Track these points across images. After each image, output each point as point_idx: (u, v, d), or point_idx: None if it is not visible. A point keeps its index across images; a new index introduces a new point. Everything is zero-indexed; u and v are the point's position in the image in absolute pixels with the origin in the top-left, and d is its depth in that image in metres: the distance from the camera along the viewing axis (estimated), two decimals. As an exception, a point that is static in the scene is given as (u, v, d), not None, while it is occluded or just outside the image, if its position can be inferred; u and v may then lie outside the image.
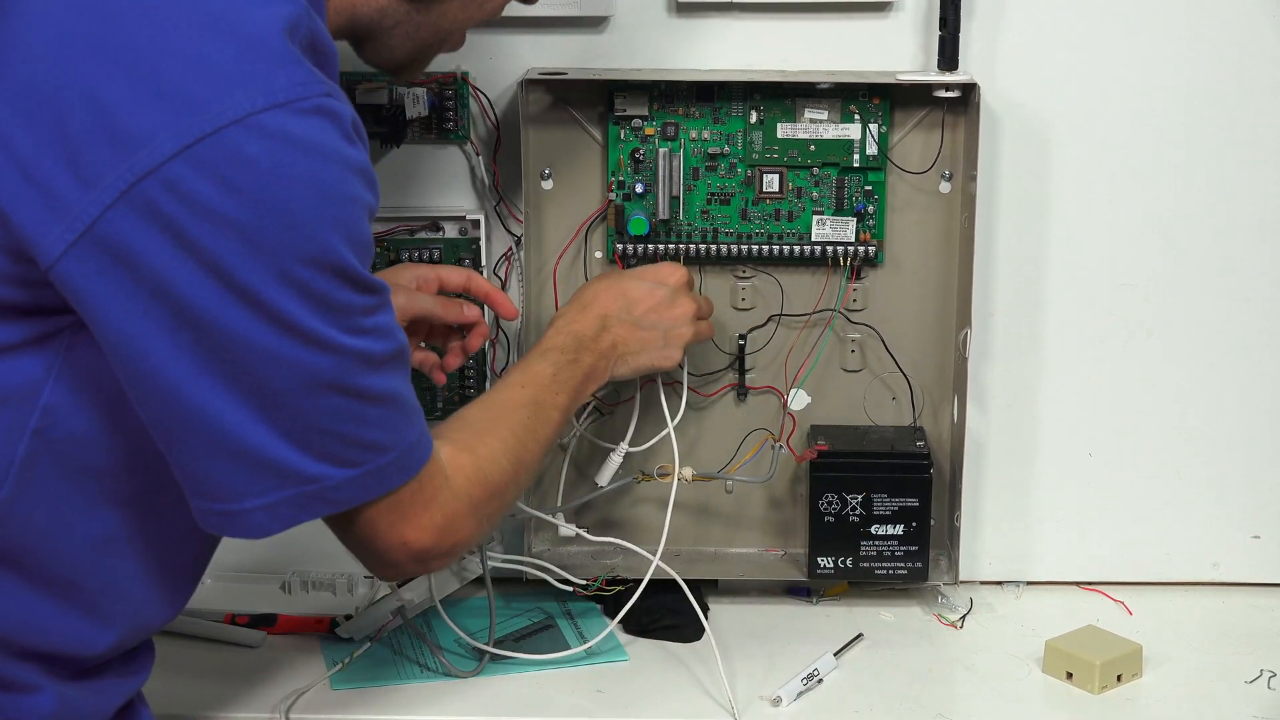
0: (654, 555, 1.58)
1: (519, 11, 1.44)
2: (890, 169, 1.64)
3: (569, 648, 1.57)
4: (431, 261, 1.65)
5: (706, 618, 1.60)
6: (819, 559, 1.65)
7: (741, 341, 1.68)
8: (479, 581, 1.62)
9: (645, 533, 1.68)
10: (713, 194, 1.65)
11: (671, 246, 1.65)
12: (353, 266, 1.13)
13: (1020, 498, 1.72)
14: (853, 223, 1.65)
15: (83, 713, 1.23)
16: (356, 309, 1.14)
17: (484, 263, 1.66)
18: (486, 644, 1.56)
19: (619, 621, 1.60)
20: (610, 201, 1.65)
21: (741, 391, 1.69)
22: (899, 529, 1.63)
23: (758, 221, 1.65)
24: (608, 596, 1.64)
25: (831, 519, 1.63)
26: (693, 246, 1.65)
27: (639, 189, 1.63)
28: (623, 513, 1.72)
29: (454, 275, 1.54)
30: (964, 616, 1.66)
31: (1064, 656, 1.54)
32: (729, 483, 1.69)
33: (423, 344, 1.56)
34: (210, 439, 1.13)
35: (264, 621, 1.63)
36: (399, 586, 1.60)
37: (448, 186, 1.68)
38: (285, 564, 1.68)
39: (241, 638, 1.61)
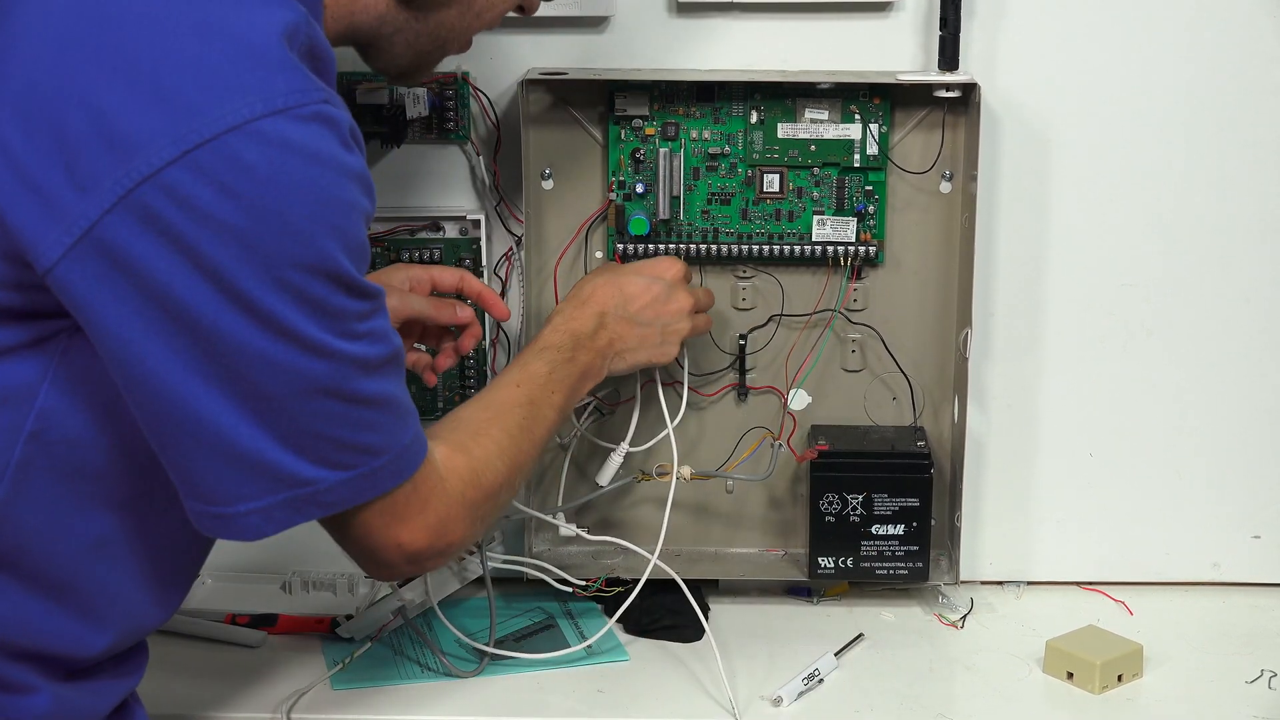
0: (654, 555, 1.58)
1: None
2: (891, 169, 1.64)
3: (569, 648, 1.57)
4: (432, 262, 1.65)
5: (707, 618, 1.60)
6: (819, 559, 1.65)
7: (742, 341, 1.68)
8: (479, 581, 1.62)
9: (645, 532, 1.68)
10: (713, 194, 1.65)
11: (672, 246, 1.65)
12: (349, 272, 1.13)
13: (1020, 498, 1.72)
14: (853, 223, 1.65)
15: (78, 713, 1.23)
16: (352, 314, 1.14)
17: (484, 263, 1.66)
18: (487, 644, 1.56)
19: (619, 621, 1.60)
20: (611, 201, 1.65)
21: (742, 391, 1.69)
22: (899, 529, 1.63)
23: (758, 221, 1.65)
24: (607, 597, 1.64)
25: (832, 519, 1.63)
26: (693, 246, 1.65)
27: (639, 189, 1.63)
28: (623, 512, 1.72)
29: (447, 276, 1.54)
30: (965, 616, 1.67)
31: (1065, 656, 1.54)
32: (729, 482, 1.69)
33: (417, 345, 1.56)
34: (206, 442, 1.13)
35: (264, 621, 1.63)
36: (399, 586, 1.60)
37: (448, 186, 1.68)
38: (286, 564, 1.68)
39: (242, 638, 1.61)
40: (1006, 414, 1.70)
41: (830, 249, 1.65)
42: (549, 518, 1.66)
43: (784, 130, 1.63)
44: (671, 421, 1.62)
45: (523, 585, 1.67)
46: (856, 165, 1.63)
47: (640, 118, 1.63)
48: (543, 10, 1.45)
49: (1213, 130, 1.64)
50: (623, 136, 1.63)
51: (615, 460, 1.64)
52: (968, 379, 1.63)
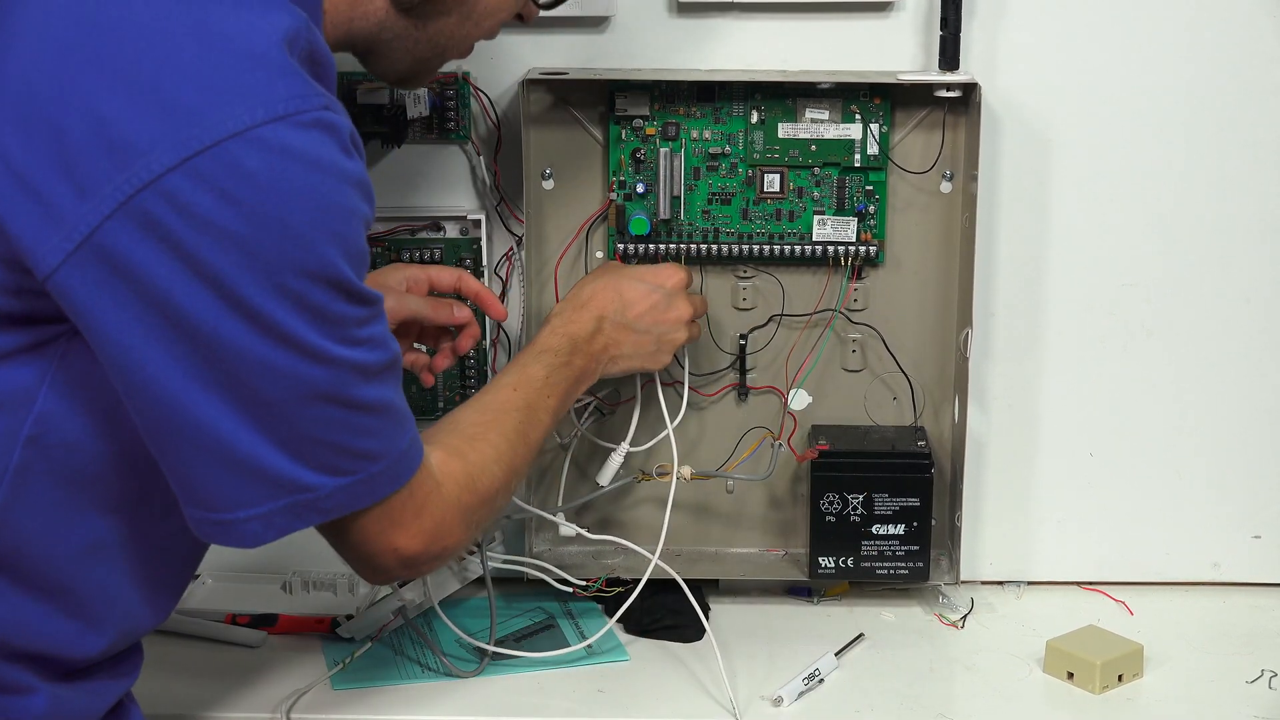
0: (654, 555, 1.58)
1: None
2: (891, 169, 1.64)
3: (570, 648, 1.57)
4: (432, 262, 1.65)
5: (707, 617, 1.60)
6: (820, 559, 1.65)
7: (742, 341, 1.68)
8: (479, 581, 1.62)
9: (645, 532, 1.68)
10: (714, 194, 1.65)
11: (672, 246, 1.65)
12: (348, 279, 1.13)
13: (1021, 498, 1.72)
14: (854, 222, 1.65)
15: (76, 713, 1.23)
16: (351, 320, 1.14)
17: (484, 263, 1.66)
18: (487, 644, 1.56)
19: (619, 621, 1.60)
20: (611, 201, 1.65)
21: (742, 391, 1.69)
22: (900, 529, 1.63)
23: (759, 221, 1.65)
24: (608, 597, 1.64)
25: (832, 519, 1.64)
26: (694, 246, 1.65)
27: (640, 189, 1.63)
28: (623, 512, 1.72)
29: (444, 275, 1.54)
30: (965, 616, 1.67)
31: (1065, 656, 1.54)
32: (730, 482, 1.69)
33: (416, 345, 1.56)
34: (206, 449, 1.13)
35: (264, 621, 1.63)
36: (400, 586, 1.60)
37: (449, 186, 1.68)
38: (286, 564, 1.68)
39: (242, 638, 1.61)
40: (1006, 414, 1.70)
41: (831, 249, 1.65)
42: (550, 517, 1.66)
43: (784, 130, 1.63)
44: (672, 422, 1.62)
45: (523, 585, 1.67)
46: (857, 165, 1.63)
47: (641, 118, 1.63)
48: (542, 12, 1.45)
49: (1213, 130, 1.64)
50: (623, 136, 1.63)
51: (615, 460, 1.64)
52: (968, 379, 1.63)
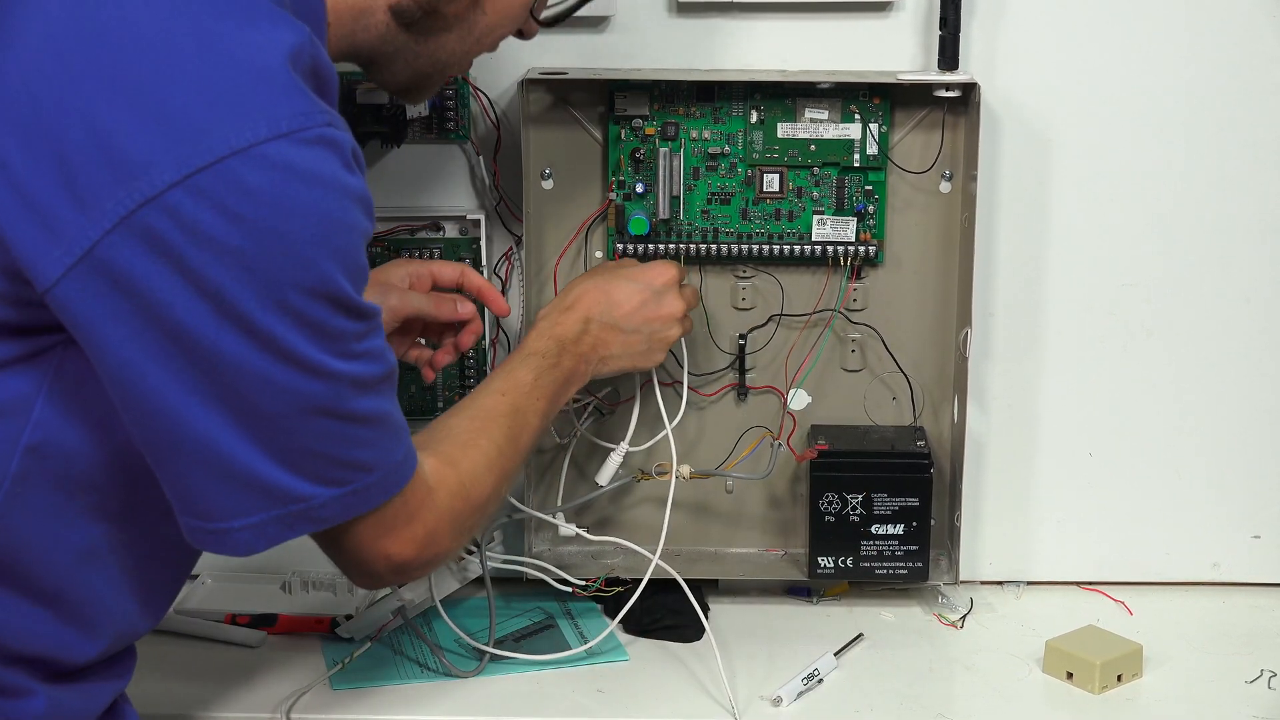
0: (654, 555, 1.59)
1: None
2: (891, 169, 1.64)
3: (569, 648, 1.57)
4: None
5: (707, 617, 1.60)
6: (819, 559, 1.65)
7: (742, 341, 1.68)
8: (479, 581, 1.62)
9: (645, 532, 1.68)
10: (713, 194, 1.65)
11: (672, 246, 1.65)
12: (348, 294, 1.13)
13: (1020, 498, 1.72)
14: (853, 222, 1.65)
15: (72, 714, 1.23)
16: (350, 335, 1.14)
17: (484, 262, 1.66)
18: (487, 644, 1.56)
19: (619, 621, 1.60)
20: (610, 201, 1.65)
21: (742, 391, 1.69)
22: (899, 529, 1.63)
23: (758, 221, 1.65)
24: (607, 597, 1.64)
25: (832, 519, 1.63)
26: (693, 246, 1.65)
27: (639, 189, 1.63)
28: (622, 512, 1.72)
29: (448, 271, 1.54)
30: (964, 616, 1.67)
31: (1064, 656, 1.54)
32: (729, 482, 1.70)
33: (419, 340, 1.56)
34: (202, 460, 1.13)
35: (264, 621, 1.63)
36: (399, 586, 1.60)
37: (448, 186, 1.68)
38: (286, 564, 1.68)
39: (241, 638, 1.61)
40: (1006, 414, 1.70)
41: (830, 249, 1.65)
42: (549, 518, 1.66)
43: (784, 130, 1.63)
44: (670, 422, 1.62)
45: (523, 585, 1.67)
46: (856, 165, 1.63)
47: (640, 118, 1.63)
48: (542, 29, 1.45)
49: (1213, 130, 1.64)
50: (623, 136, 1.63)
51: (615, 460, 1.64)
52: (968, 379, 1.63)
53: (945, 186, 1.64)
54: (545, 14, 1.42)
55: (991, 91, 1.61)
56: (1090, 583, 1.73)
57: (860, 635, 1.61)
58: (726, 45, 1.63)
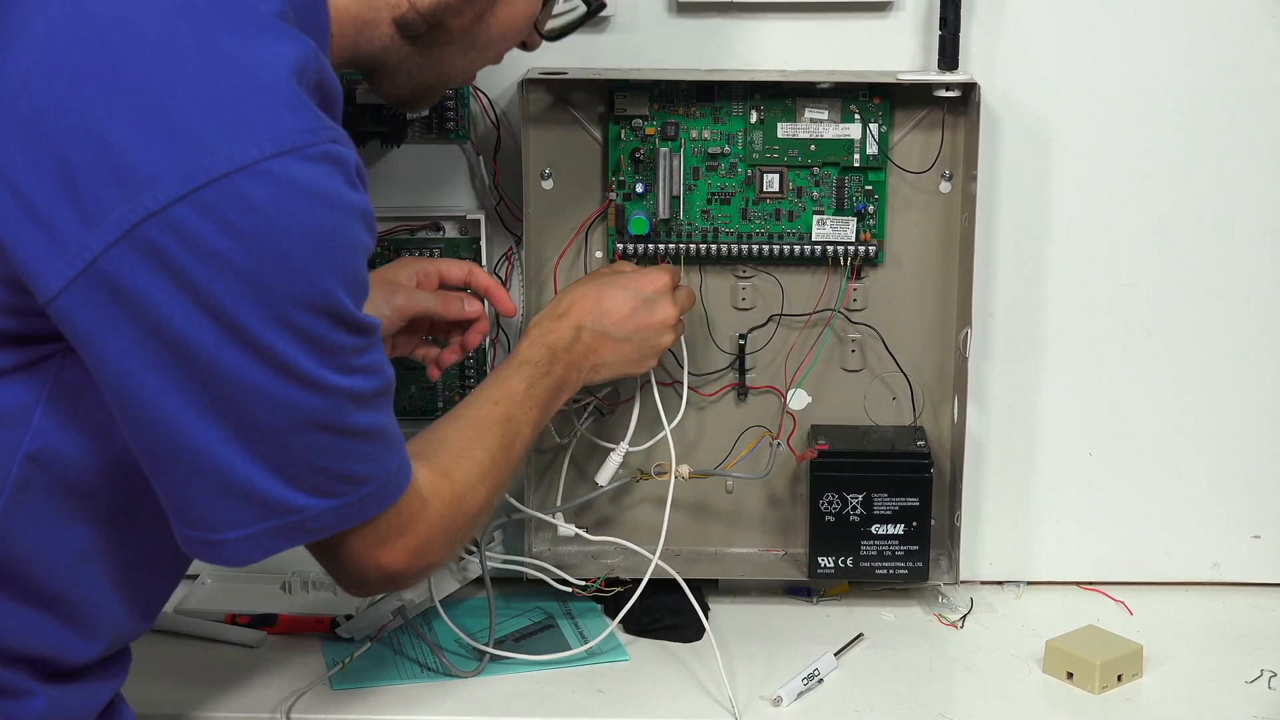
0: (654, 555, 1.59)
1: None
2: (890, 169, 1.64)
3: (569, 648, 1.57)
4: (432, 260, 1.65)
5: (707, 617, 1.60)
6: (819, 559, 1.65)
7: (742, 341, 1.68)
8: (479, 581, 1.62)
9: (645, 532, 1.68)
10: (713, 194, 1.65)
11: (672, 246, 1.65)
12: (348, 310, 1.14)
13: (1020, 498, 1.72)
14: (853, 222, 1.65)
15: (71, 713, 1.24)
16: (350, 350, 1.15)
17: (484, 262, 1.66)
18: (487, 644, 1.56)
19: (619, 621, 1.60)
20: (610, 201, 1.65)
21: (742, 391, 1.69)
22: (899, 529, 1.63)
23: (758, 221, 1.65)
24: (607, 597, 1.64)
25: (832, 518, 1.63)
26: (693, 246, 1.65)
27: (639, 189, 1.63)
28: (622, 512, 1.72)
29: (455, 269, 1.54)
30: (964, 616, 1.67)
31: (1064, 656, 1.54)
32: (729, 482, 1.70)
33: (426, 337, 1.56)
34: (199, 471, 1.14)
35: (264, 621, 1.63)
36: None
37: (448, 186, 1.68)
38: (286, 564, 1.67)
39: (241, 638, 1.61)
40: (1006, 414, 1.70)
41: (830, 249, 1.65)
42: (549, 518, 1.66)
43: (784, 130, 1.63)
44: (670, 422, 1.62)
45: (523, 585, 1.67)
46: (856, 165, 1.63)
47: (640, 117, 1.63)
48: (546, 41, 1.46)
49: (1213, 130, 1.64)
50: (623, 136, 1.63)
51: (615, 460, 1.64)
52: (968, 379, 1.63)
53: (945, 186, 1.64)
54: (550, 24, 1.43)
55: (991, 91, 1.61)
56: (1090, 583, 1.73)
57: (860, 635, 1.61)
58: (726, 45, 1.63)
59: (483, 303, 1.55)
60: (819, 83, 1.62)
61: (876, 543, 1.64)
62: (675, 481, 1.62)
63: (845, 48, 1.63)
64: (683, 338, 1.63)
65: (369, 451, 1.19)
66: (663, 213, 1.63)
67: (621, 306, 1.52)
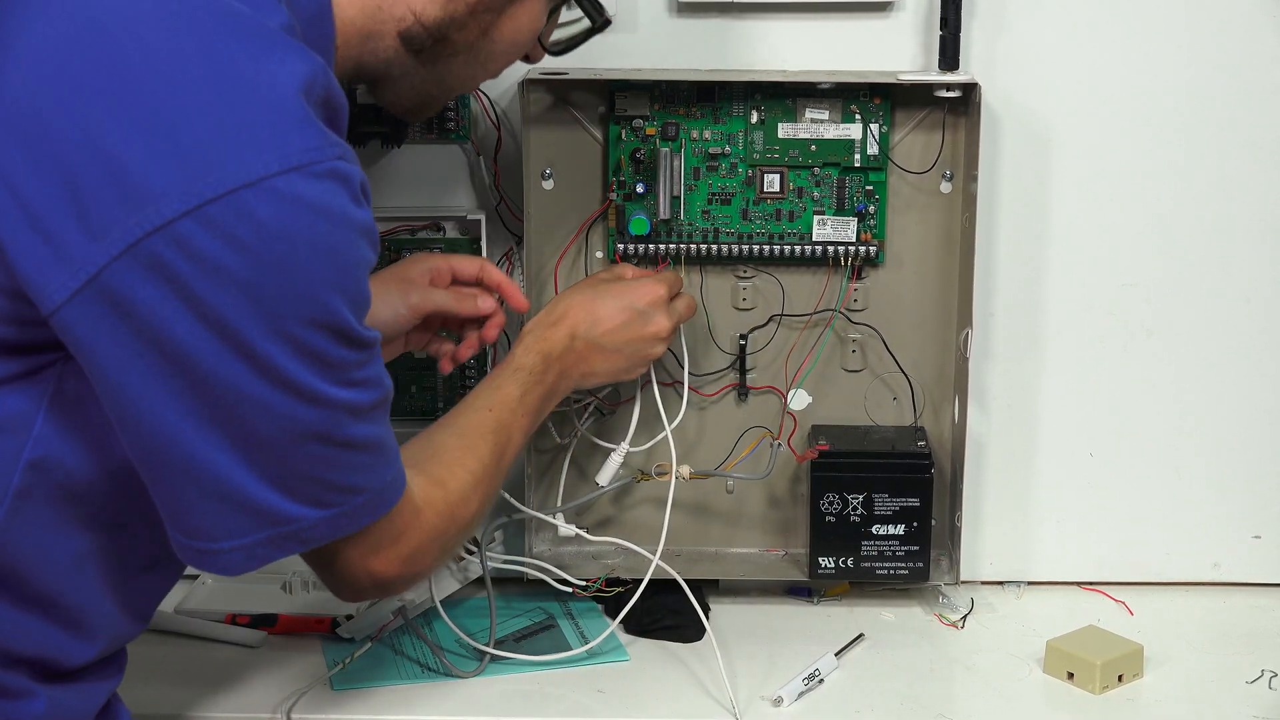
0: (654, 555, 1.59)
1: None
2: (891, 169, 1.64)
3: (570, 648, 1.57)
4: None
5: (707, 618, 1.60)
6: (820, 559, 1.65)
7: (742, 341, 1.68)
8: (479, 581, 1.62)
9: (645, 532, 1.68)
10: (713, 194, 1.65)
11: (672, 247, 1.65)
12: (350, 324, 1.14)
13: (1021, 498, 1.72)
14: (854, 223, 1.65)
15: (71, 713, 1.24)
16: (350, 364, 1.15)
17: (484, 263, 1.66)
18: (487, 644, 1.56)
19: (620, 621, 1.60)
20: (611, 201, 1.65)
21: (742, 391, 1.69)
22: (900, 529, 1.63)
23: (758, 221, 1.65)
24: (607, 597, 1.64)
25: (832, 519, 1.63)
26: (693, 246, 1.65)
27: (640, 189, 1.63)
28: (622, 513, 1.72)
29: (467, 266, 1.54)
30: (965, 616, 1.67)
31: (1065, 656, 1.54)
32: (729, 482, 1.70)
33: (441, 331, 1.56)
34: (196, 481, 1.14)
35: (264, 621, 1.63)
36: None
37: (448, 186, 1.68)
38: (286, 564, 1.65)
39: (242, 638, 1.61)
40: (1006, 414, 1.70)
41: (830, 249, 1.65)
42: (549, 518, 1.66)
43: (784, 130, 1.63)
44: (670, 423, 1.62)
45: (523, 585, 1.67)
46: (857, 165, 1.63)
47: (640, 118, 1.63)
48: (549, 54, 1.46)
49: (1213, 130, 1.64)
50: (623, 136, 1.63)
51: (615, 460, 1.64)
52: (968, 379, 1.63)
53: (946, 187, 1.64)
54: (555, 34, 1.43)
55: (992, 92, 1.61)
56: (1090, 583, 1.73)
57: (861, 635, 1.61)
58: (727, 45, 1.63)
59: (496, 298, 1.55)
60: (819, 83, 1.62)
61: (877, 543, 1.64)
62: (676, 482, 1.62)
63: (846, 48, 1.63)
64: (683, 338, 1.63)
65: (365, 462, 1.20)
66: (663, 213, 1.63)
67: (615, 317, 1.52)
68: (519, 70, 1.60)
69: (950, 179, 1.64)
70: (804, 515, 1.68)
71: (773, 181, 1.64)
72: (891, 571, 1.64)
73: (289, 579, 1.66)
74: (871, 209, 1.64)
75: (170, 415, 1.11)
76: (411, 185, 1.68)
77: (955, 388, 1.66)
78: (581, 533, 1.66)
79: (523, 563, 1.66)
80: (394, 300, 1.49)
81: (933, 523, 1.65)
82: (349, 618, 1.60)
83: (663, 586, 1.61)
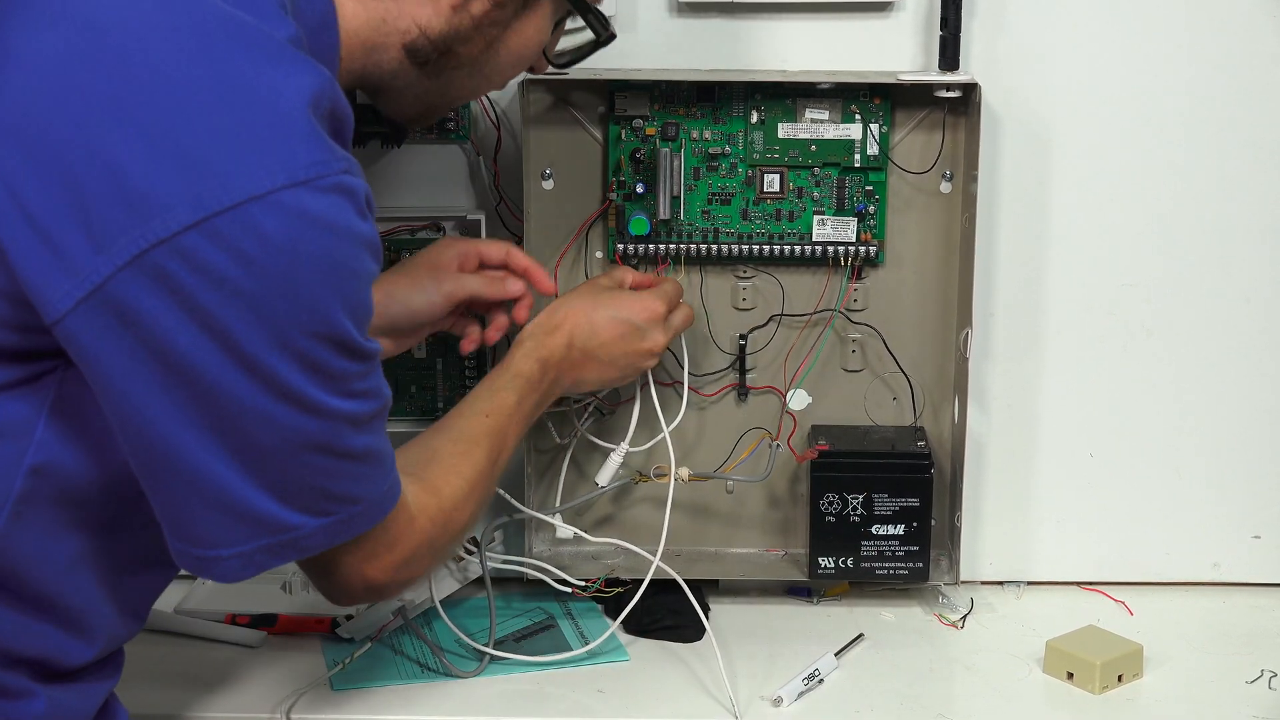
0: (654, 555, 1.59)
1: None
2: (891, 169, 1.64)
3: (570, 648, 1.57)
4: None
5: (707, 618, 1.60)
6: (820, 559, 1.65)
7: (742, 341, 1.68)
8: (479, 581, 1.62)
9: (645, 532, 1.68)
10: (713, 194, 1.65)
11: (672, 247, 1.65)
12: (352, 337, 1.15)
13: (1020, 498, 1.72)
14: (853, 223, 1.65)
15: (71, 713, 1.24)
16: (351, 375, 1.16)
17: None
18: (487, 644, 1.56)
19: (620, 622, 1.60)
20: (611, 201, 1.65)
21: (742, 391, 1.69)
22: (900, 529, 1.63)
23: (758, 221, 1.65)
24: (607, 597, 1.64)
25: (832, 519, 1.63)
26: (693, 247, 1.65)
27: (639, 189, 1.63)
28: (622, 513, 1.72)
29: (493, 250, 1.55)
30: (965, 616, 1.67)
31: (1065, 656, 1.54)
32: (729, 483, 1.69)
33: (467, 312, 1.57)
34: (196, 490, 1.15)
35: (264, 621, 1.63)
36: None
37: (448, 186, 1.68)
38: (286, 565, 1.67)
39: (241, 638, 1.61)
40: (1006, 414, 1.70)
41: (830, 249, 1.65)
42: (548, 518, 1.66)
43: (784, 130, 1.63)
44: (668, 424, 1.62)
45: (523, 585, 1.67)
46: (857, 165, 1.63)
47: (640, 118, 1.63)
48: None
49: (1213, 130, 1.64)
50: (623, 136, 1.63)
51: (615, 460, 1.64)
52: (968, 379, 1.63)
53: (945, 187, 1.64)
54: (560, 45, 1.43)
55: (991, 92, 1.61)
56: (1090, 583, 1.73)
57: (860, 635, 1.61)
58: (727, 45, 1.63)
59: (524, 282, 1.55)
60: (819, 83, 1.62)
61: (877, 543, 1.64)
62: (675, 483, 1.63)
63: (846, 48, 1.63)
64: (683, 339, 1.63)
65: (363, 472, 1.20)
66: (663, 213, 1.63)
67: (611, 329, 1.53)
68: (519, 70, 1.61)
69: (950, 179, 1.64)
70: (804, 515, 1.68)
71: (773, 181, 1.64)
72: (891, 571, 1.64)
73: (289, 579, 1.66)
74: (871, 209, 1.64)
75: (172, 425, 1.12)
76: (411, 185, 1.68)
77: (955, 388, 1.66)
78: (580, 533, 1.66)
79: (522, 563, 1.66)
80: (428, 288, 1.50)
81: (932, 523, 1.65)
82: (349, 618, 1.60)
83: (662, 586, 1.61)
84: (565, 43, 1.45)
